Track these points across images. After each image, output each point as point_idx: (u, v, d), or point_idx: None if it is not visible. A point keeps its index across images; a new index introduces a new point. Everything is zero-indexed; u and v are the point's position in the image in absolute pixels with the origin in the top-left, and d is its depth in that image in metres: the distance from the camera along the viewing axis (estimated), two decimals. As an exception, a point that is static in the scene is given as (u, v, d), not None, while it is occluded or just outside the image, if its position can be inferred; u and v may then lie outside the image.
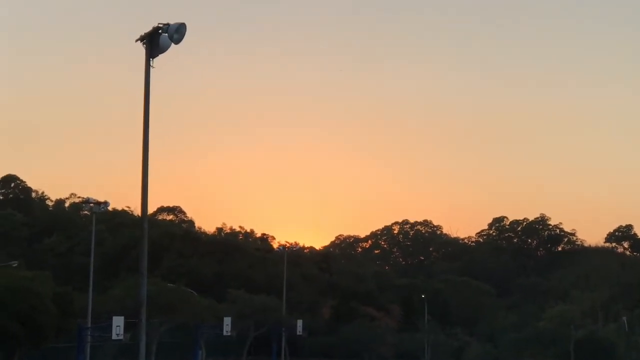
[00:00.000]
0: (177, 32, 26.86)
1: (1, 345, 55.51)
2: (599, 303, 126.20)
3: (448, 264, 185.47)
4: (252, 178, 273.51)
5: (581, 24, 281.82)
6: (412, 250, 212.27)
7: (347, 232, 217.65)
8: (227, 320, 79.21)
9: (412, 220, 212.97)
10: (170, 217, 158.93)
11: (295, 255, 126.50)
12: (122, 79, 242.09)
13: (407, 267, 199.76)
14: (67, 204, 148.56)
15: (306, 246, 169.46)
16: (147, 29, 27.50)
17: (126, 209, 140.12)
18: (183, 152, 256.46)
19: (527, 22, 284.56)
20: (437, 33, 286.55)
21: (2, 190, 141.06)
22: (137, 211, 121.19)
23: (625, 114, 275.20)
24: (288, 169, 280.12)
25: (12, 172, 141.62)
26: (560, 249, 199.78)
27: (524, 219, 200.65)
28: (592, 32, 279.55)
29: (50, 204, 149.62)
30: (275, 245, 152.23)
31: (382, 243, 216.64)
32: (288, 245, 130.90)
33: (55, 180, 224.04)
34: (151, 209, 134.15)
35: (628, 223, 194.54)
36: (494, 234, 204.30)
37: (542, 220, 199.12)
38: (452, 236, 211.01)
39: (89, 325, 63.67)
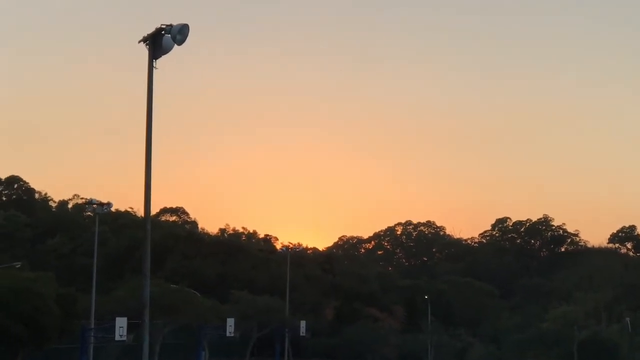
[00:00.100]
0: (179, 33, 26.79)
1: (4, 346, 55.60)
2: (602, 304, 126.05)
3: (451, 264, 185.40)
4: (255, 179, 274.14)
5: (581, 24, 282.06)
6: (415, 251, 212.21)
7: (350, 233, 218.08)
8: (230, 321, 79.23)
9: (415, 221, 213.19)
10: (174, 218, 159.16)
11: (299, 256, 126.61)
12: (125, 80, 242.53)
13: (410, 268, 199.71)
14: (70, 205, 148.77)
15: (309, 247, 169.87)
16: (148, 29, 27.43)
17: (129, 210, 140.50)
18: (186, 153, 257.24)
19: (527, 22, 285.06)
20: (437, 33, 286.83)
21: (6, 192, 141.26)
22: (140, 212, 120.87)
23: (626, 114, 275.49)
24: (291, 170, 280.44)
25: (16, 173, 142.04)
26: (563, 249, 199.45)
27: (527, 219, 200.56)
28: (592, 32, 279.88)
29: (53, 205, 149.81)
30: (278, 246, 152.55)
31: (385, 244, 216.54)
32: (291, 246, 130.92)
33: (58, 181, 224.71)
34: (154, 210, 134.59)
35: (631, 224, 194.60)
36: (497, 234, 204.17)
37: (545, 221, 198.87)
38: (455, 237, 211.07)
39: (92, 326, 63.74)
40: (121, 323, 58.81)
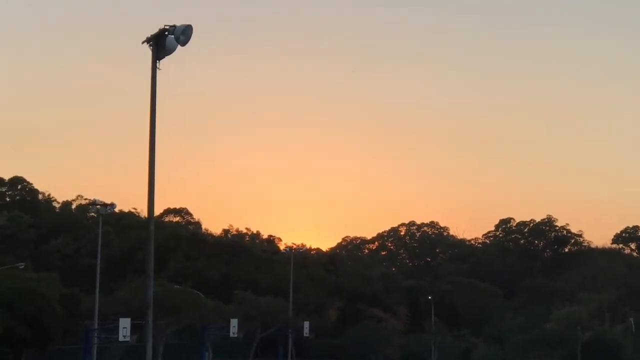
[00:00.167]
0: (183, 34, 26.75)
1: (8, 346, 55.70)
2: (606, 304, 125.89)
3: (455, 265, 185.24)
4: (258, 179, 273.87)
5: (581, 24, 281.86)
6: (419, 251, 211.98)
7: (353, 233, 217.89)
8: (234, 322, 79.26)
9: (418, 222, 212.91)
10: (177, 218, 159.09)
11: (302, 256, 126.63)
12: (128, 80, 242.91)
13: (414, 268, 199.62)
14: (73, 206, 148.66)
15: (313, 248, 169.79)
16: (149, 29, 27.37)
17: (133, 210, 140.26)
18: (188, 153, 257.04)
19: (527, 22, 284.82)
20: (437, 33, 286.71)
21: (9, 192, 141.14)
22: (144, 213, 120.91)
23: (626, 114, 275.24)
24: (294, 170, 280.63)
25: (19, 174, 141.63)
26: (567, 250, 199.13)
27: (531, 220, 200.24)
28: (592, 32, 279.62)
29: (56, 205, 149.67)
30: (281, 246, 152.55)
31: (389, 244, 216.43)
32: (294, 246, 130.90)
33: (61, 182, 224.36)
34: (158, 210, 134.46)
35: (635, 224, 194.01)
36: (500, 235, 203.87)
37: (548, 222, 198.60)
38: (458, 237, 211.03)
39: (96, 327, 63.71)
40: (125, 324, 58.86)
